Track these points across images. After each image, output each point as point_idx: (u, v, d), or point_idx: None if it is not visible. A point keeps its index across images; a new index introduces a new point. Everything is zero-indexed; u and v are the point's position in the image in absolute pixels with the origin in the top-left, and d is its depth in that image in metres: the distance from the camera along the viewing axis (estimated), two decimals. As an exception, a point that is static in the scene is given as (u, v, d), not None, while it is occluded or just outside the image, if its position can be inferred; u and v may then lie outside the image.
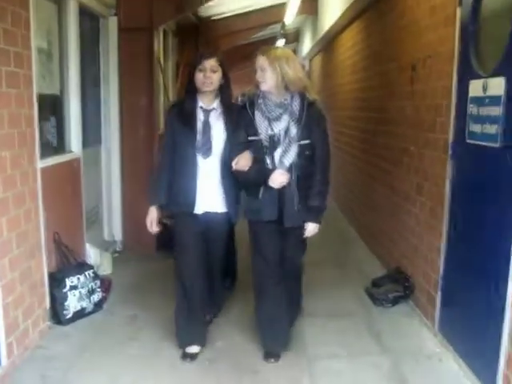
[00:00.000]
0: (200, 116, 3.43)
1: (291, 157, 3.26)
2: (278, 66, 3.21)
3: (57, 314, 3.92)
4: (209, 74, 3.35)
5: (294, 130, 3.24)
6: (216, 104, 3.45)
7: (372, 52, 6.11)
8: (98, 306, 4.19)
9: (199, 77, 3.37)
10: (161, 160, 3.55)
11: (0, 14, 3.08)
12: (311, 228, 3.37)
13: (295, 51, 15.68)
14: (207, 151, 3.38)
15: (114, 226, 5.81)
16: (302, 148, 3.26)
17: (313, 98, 3.33)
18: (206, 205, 3.46)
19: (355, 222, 7.03)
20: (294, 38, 15.79)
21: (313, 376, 3.26)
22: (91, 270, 4.22)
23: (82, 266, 4.19)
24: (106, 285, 4.47)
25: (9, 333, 3.25)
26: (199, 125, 3.41)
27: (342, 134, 7.97)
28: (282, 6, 9.36)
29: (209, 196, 3.45)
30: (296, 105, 3.28)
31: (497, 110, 2.83)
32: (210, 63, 3.36)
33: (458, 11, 3.40)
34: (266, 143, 3.27)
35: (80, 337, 3.77)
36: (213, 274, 3.69)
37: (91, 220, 5.19)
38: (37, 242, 3.69)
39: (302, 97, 3.30)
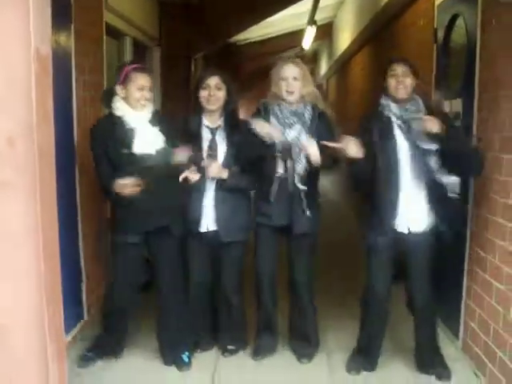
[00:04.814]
0: (206, 135, 3.38)
1: (303, 165, 3.29)
2: (309, 77, 3.39)
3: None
4: (213, 92, 3.30)
5: (304, 139, 3.27)
6: (221, 122, 3.40)
7: (376, 76, 7.06)
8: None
9: (204, 94, 3.31)
10: None
11: (86, 52, 4.10)
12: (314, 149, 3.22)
13: (313, 71, 16.64)
14: None
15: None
16: None
17: (322, 108, 3.41)
18: (211, 222, 3.40)
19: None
20: (313, 59, 16.77)
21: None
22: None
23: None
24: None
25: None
26: (205, 144, 3.37)
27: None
28: (301, 31, 10.36)
29: (213, 212, 3.38)
30: (308, 114, 3.34)
31: (458, 122, 3.75)
32: (215, 80, 3.31)
33: (434, 47, 4.30)
34: (279, 147, 3.28)
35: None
36: (229, 300, 3.59)
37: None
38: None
39: (313, 106, 3.37)
